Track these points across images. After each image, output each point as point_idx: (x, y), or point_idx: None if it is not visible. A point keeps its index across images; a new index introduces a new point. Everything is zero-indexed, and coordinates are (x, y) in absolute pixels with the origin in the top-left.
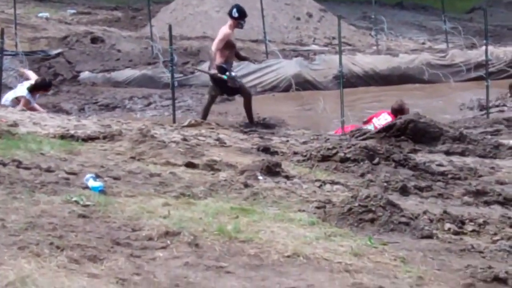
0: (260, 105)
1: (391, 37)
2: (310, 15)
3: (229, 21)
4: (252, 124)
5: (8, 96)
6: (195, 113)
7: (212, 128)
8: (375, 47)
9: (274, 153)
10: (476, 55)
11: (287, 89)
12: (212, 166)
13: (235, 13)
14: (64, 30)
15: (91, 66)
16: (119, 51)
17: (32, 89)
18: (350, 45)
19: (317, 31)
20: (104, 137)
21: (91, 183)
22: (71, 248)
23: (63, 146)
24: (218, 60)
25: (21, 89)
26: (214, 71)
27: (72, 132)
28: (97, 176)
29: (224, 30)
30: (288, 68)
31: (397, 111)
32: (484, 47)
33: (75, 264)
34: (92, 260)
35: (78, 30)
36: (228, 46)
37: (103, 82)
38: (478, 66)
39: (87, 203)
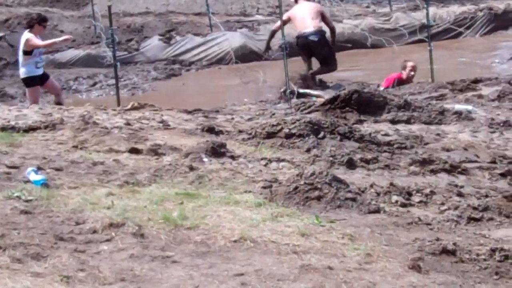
0: (205, 79)
1: (334, 2)
2: None
3: None
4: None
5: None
6: (141, 91)
7: (156, 110)
8: None
9: (219, 132)
10: (420, 16)
11: None
12: (156, 151)
13: None
14: (5, 13)
15: None
16: (61, 31)
17: (30, 26)
18: None
19: (260, 1)
20: (46, 127)
21: (33, 176)
22: (14, 247)
23: (4, 139)
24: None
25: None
26: None
27: (13, 123)
28: (39, 168)
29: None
30: (232, 40)
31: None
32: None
33: (18, 263)
34: (35, 258)
35: (19, 12)
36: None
37: (47, 64)
38: (423, 27)
39: (29, 198)
